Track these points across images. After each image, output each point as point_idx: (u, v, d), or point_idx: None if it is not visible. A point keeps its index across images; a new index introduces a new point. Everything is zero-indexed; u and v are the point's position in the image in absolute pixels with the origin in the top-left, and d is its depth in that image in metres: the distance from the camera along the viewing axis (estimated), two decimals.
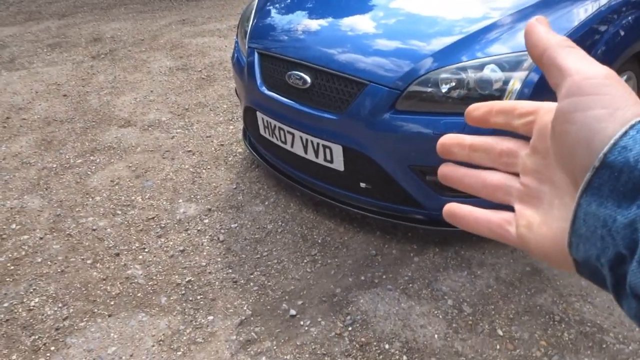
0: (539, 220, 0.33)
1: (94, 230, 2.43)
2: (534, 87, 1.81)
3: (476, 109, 0.38)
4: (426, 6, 2.26)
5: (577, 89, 0.30)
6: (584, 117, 0.29)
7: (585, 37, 1.96)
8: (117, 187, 2.75)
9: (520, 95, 1.81)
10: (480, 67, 1.86)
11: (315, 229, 2.35)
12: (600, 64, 0.31)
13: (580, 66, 0.31)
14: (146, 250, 2.28)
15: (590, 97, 0.29)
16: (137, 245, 2.32)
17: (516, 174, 0.36)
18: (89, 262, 2.23)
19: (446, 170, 0.40)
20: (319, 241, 2.27)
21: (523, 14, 2.04)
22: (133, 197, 2.65)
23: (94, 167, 2.93)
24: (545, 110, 0.34)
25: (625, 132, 0.27)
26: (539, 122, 0.34)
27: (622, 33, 2.04)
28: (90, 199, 2.65)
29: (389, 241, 2.24)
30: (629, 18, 2.07)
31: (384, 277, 2.06)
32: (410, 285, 2.00)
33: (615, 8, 2.06)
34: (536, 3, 2.06)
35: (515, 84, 1.82)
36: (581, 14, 2.02)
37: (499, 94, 1.83)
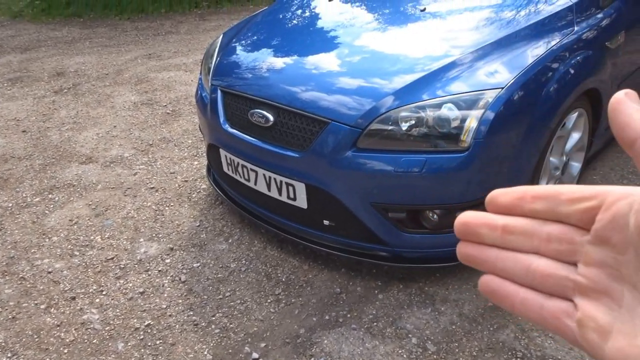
0: (615, 328, 0.28)
1: (50, 272, 2.34)
2: (490, 125, 1.86)
3: (503, 194, 0.33)
4: (390, 44, 2.30)
5: None
6: None
7: (540, 74, 2.02)
8: (75, 226, 2.66)
9: (478, 134, 1.85)
10: (439, 106, 1.90)
11: (279, 267, 2.32)
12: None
13: None
14: (104, 293, 2.21)
15: None
16: (94, 287, 2.24)
17: (568, 262, 0.31)
18: (42, 307, 2.14)
19: (470, 251, 0.34)
20: (283, 279, 2.24)
21: (481, 53, 2.10)
22: (92, 237, 2.58)
23: (52, 206, 2.84)
24: (616, 196, 0.28)
25: None
26: (608, 210, 0.29)
27: (573, 71, 2.12)
28: (47, 240, 2.56)
29: (354, 278, 2.22)
30: (579, 57, 2.16)
31: (348, 315, 2.03)
32: (375, 323, 1.98)
33: (567, 46, 2.15)
34: (494, 42, 2.13)
35: (472, 122, 1.86)
36: (535, 52, 2.09)
37: (457, 132, 1.87)
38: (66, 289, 2.24)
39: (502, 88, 1.91)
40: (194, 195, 2.90)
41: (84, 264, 2.39)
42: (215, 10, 7.39)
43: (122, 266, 2.36)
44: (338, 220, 2.09)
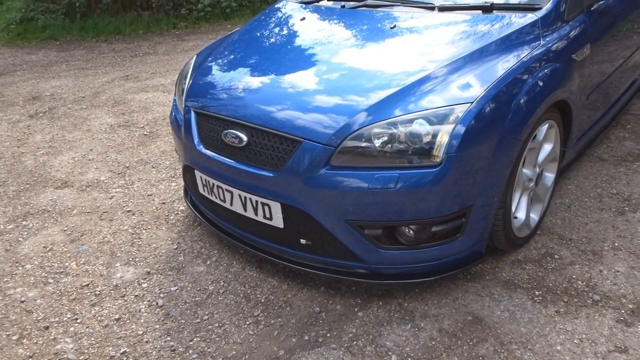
0: None
1: (23, 302, 2.28)
2: (462, 139, 1.87)
3: None
4: (367, 60, 2.30)
5: None
6: None
7: (508, 87, 2.05)
8: (50, 253, 2.61)
9: (449, 148, 1.86)
10: (410, 122, 1.91)
11: (258, 287, 2.29)
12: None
13: None
14: (78, 321, 2.16)
15: None
16: (68, 316, 2.19)
17: None
18: (14, 338, 2.08)
19: None
20: (262, 300, 2.22)
21: (454, 67, 2.12)
22: (67, 264, 2.53)
23: (25, 233, 2.79)
24: None
25: None
26: None
27: (541, 83, 2.15)
28: (20, 268, 2.51)
29: (333, 296, 2.21)
30: (546, 70, 2.20)
31: (328, 335, 2.01)
32: (355, 342, 1.96)
33: (534, 59, 2.18)
34: (466, 55, 2.15)
35: (444, 137, 1.87)
36: (504, 66, 2.12)
37: (429, 147, 1.88)
38: (39, 318, 2.18)
39: (472, 102, 1.93)
40: (171, 218, 2.87)
41: (58, 291, 2.34)
42: (193, 30, 7.41)
43: (97, 292, 2.32)
44: (315, 238, 2.08)
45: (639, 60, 3.47)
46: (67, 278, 2.43)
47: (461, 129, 1.88)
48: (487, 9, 2.42)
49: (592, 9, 2.58)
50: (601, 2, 2.65)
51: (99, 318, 2.17)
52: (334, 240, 2.03)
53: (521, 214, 2.33)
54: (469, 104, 1.93)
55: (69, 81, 5.34)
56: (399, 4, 2.67)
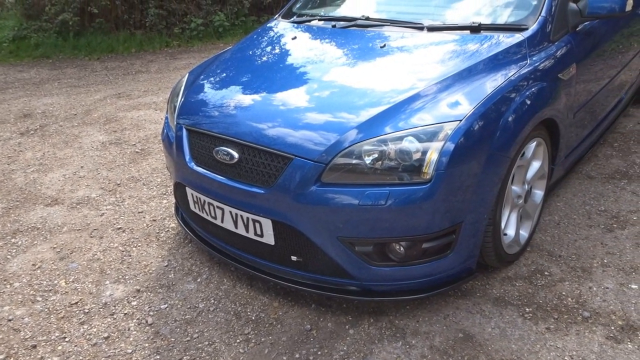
0: None
1: (10, 320, 2.25)
2: (451, 157, 1.89)
3: None
4: (357, 78, 2.33)
5: None
6: None
7: (497, 105, 2.08)
8: (38, 271, 2.59)
9: (439, 165, 1.88)
10: (400, 139, 1.93)
11: (249, 305, 2.28)
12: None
13: None
14: (67, 339, 2.13)
15: None
16: (57, 334, 2.16)
17: None
18: (1, 357, 2.05)
19: None
20: (253, 318, 2.20)
21: (444, 85, 2.16)
22: (56, 281, 2.50)
23: (14, 251, 2.76)
24: None
25: None
26: None
27: (529, 102, 2.19)
28: (8, 286, 2.48)
29: (324, 314, 2.20)
30: (533, 88, 2.24)
31: (319, 353, 2.00)
32: None
33: (521, 78, 2.22)
34: (455, 74, 2.19)
35: (433, 154, 1.89)
36: (491, 84, 2.15)
37: (419, 164, 1.90)
38: (27, 337, 2.16)
39: (461, 120, 1.96)
40: (162, 235, 2.86)
41: (46, 309, 2.32)
42: (185, 48, 7.46)
43: (86, 311, 2.30)
44: (306, 255, 2.08)
45: (625, 80, 3.54)
46: (56, 296, 2.40)
47: (450, 146, 1.90)
48: (475, 29, 2.47)
49: (577, 29, 2.63)
50: (586, 23, 2.71)
51: (87, 337, 2.14)
52: (325, 257, 2.03)
53: (511, 231, 2.35)
54: (458, 122, 1.95)
55: (60, 99, 5.34)
56: (388, 24, 2.72)
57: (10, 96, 5.52)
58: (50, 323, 2.23)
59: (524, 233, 2.47)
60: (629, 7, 2.54)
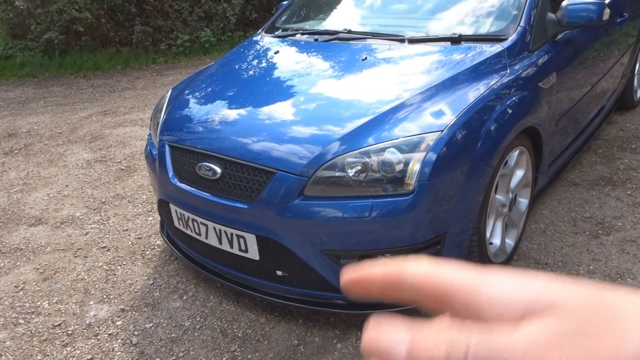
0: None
1: None
2: (433, 167, 1.89)
3: (353, 280, 0.32)
4: (339, 91, 2.34)
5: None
6: None
7: (479, 114, 2.09)
8: (21, 292, 2.55)
9: (422, 176, 1.88)
10: (382, 151, 1.93)
11: (235, 321, 2.25)
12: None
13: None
14: None
15: None
16: (39, 358, 2.12)
17: None
18: None
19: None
20: (240, 335, 2.18)
21: (427, 95, 2.16)
22: (39, 303, 2.46)
23: None
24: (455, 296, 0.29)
25: None
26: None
27: (510, 111, 2.20)
28: None
29: (311, 328, 2.18)
30: (514, 97, 2.25)
31: None
32: None
33: (502, 88, 2.24)
34: (439, 83, 2.20)
35: (415, 165, 1.89)
36: (475, 93, 2.17)
37: (401, 175, 1.90)
38: None
39: (442, 130, 1.96)
40: (147, 253, 2.82)
41: (29, 332, 2.27)
42: (172, 64, 7.46)
43: (69, 332, 2.26)
44: (291, 270, 2.07)
45: (607, 87, 3.58)
46: (39, 318, 2.36)
47: (432, 157, 1.90)
48: (455, 41, 2.49)
49: (556, 39, 2.67)
50: (566, 32, 2.74)
51: (70, 359, 2.10)
52: (310, 271, 2.02)
53: (496, 240, 2.35)
54: (440, 132, 1.96)
55: (46, 117, 5.30)
56: (370, 37, 2.74)
57: None
58: (32, 346, 2.19)
59: (510, 242, 2.47)
60: (606, 17, 2.58)
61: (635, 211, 2.88)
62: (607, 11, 2.61)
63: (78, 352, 2.14)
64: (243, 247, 2.10)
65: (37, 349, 2.17)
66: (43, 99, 6.07)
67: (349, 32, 2.82)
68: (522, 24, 2.48)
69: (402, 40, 2.62)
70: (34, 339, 2.23)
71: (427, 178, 1.89)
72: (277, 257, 2.06)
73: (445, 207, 1.97)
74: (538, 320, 0.26)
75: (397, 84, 2.28)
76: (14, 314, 2.39)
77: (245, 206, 2.02)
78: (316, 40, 2.88)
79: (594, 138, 3.76)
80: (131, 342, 2.18)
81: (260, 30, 3.38)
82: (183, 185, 2.23)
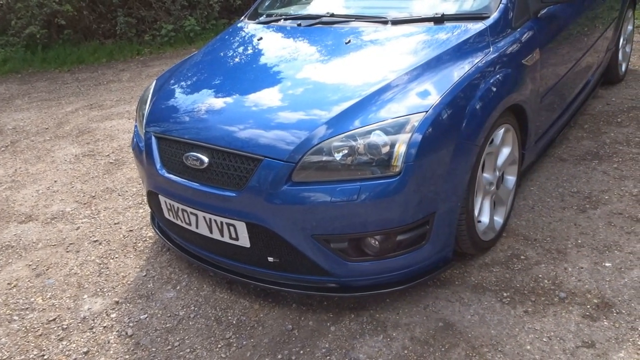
0: None
1: None
2: (419, 148, 1.90)
3: None
4: (325, 74, 2.33)
5: None
6: None
7: (463, 92, 2.09)
8: (14, 289, 2.55)
9: (408, 157, 1.89)
10: (368, 133, 1.94)
11: (229, 309, 2.27)
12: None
13: None
14: (45, 357, 2.10)
15: None
16: (35, 353, 2.13)
17: None
18: None
19: None
20: (234, 322, 2.19)
21: (412, 75, 2.16)
22: (32, 299, 2.46)
23: None
24: None
25: None
26: None
27: (494, 89, 2.21)
28: None
29: (305, 312, 2.20)
30: (498, 75, 2.26)
31: (301, 352, 2.00)
32: (328, 357, 1.95)
33: (486, 66, 2.24)
34: (424, 63, 2.20)
35: (401, 147, 1.90)
36: (459, 72, 2.17)
37: (388, 158, 1.90)
38: (4, 357, 2.12)
39: (427, 111, 1.97)
40: (139, 245, 2.83)
41: (23, 328, 2.28)
42: (157, 55, 7.39)
43: (64, 326, 2.26)
44: (282, 256, 2.08)
45: (591, 62, 3.60)
46: (33, 314, 2.36)
47: (418, 137, 1.91)
48: (438, 20, 2.48)
49: (539, 15, 2.67)
50: (549, 8, 2.74)
51: (66, 353, 2.11)
52: (301, 256, 2.03)
53: (485, 218, 2.37)
54: (424, 113, 1.96)
55: (31, 113, 5.25)
56: (353, 19, 2.72)
57: None
58: (27, 342, 2.20)
59: (499, 219, 2.49)
60: None
61: (622, 184, 2.91)
62: None
63: (74, 345, 2.15)
64: (234, 235, 2.11)
65: (32, 344, 2.18)
66: (28, 94, 6.00)
67: (332, 15, 2.80)
68: (503, 1, 2.48)
69: (385, 22, 2.61)
70: (29, 334, 2.24)
71: (414, 159, 1.90)
72: (268, 243, 2.07)
73: (432, 187, 1.98)
74: None
75: (383, 65, 2.27)
76: (7, 311, 2.40)
77: (234, 194, 2.02)
78: (299, 25, 2.87)
79: (580, 113, 3.79)
80: (126, 333, 2.19)
81: (243, 17, 3.35)
82: (171, 176, 2.23)
